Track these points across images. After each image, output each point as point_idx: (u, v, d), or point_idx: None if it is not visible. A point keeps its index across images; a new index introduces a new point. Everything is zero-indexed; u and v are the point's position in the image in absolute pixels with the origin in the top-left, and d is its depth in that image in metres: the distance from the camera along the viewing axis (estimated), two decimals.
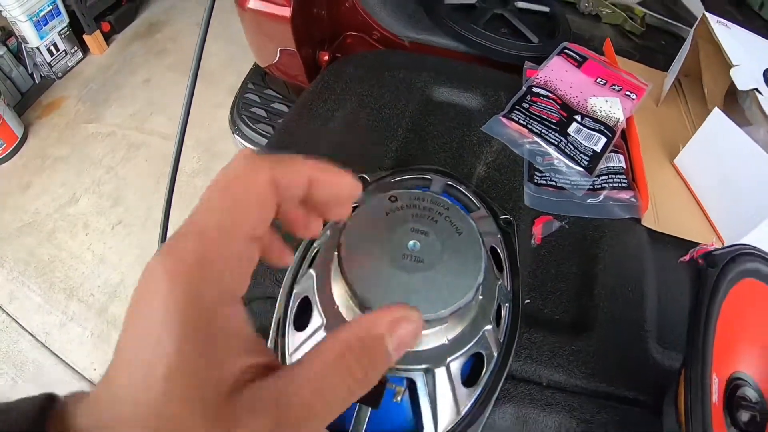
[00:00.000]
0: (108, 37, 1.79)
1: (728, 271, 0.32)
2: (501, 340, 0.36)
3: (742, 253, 0.33)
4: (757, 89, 0.52)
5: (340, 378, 0.16)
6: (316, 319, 0.33)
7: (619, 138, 0.57)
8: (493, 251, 0.39)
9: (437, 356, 0.32)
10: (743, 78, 0.53)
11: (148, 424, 0.14)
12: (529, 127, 0.53)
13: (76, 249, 1.31)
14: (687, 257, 0.48)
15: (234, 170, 0.18)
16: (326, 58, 0.72)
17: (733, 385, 0.31)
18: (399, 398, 0.33)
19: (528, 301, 0.42)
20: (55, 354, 1.17)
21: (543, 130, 0.53)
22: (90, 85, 1.65)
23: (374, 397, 0.30)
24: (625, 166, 0.53)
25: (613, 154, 0.54)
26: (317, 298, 0.34)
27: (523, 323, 0.39)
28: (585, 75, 0.60)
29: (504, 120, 0.55)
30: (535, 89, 0.58)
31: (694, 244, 0.46)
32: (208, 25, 0.60)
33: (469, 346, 0.32)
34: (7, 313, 1.22)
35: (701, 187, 0.54)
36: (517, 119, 0.54)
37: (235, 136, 0.82)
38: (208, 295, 0.16)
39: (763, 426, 0.30)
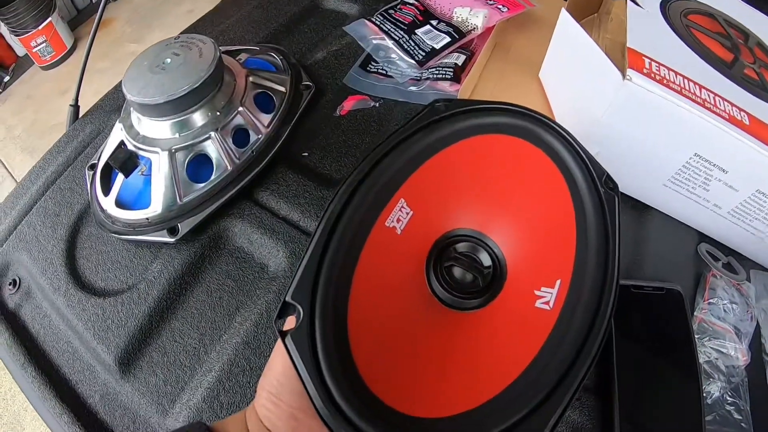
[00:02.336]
0: None
1: (459, 121, 0.29)
2: (237, 159, 0.46)
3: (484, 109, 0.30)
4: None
5: None
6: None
7: (480, 47, 0.63)
8: (264, 95, 0.50)
9: (168, 144, 0.44)
10: None
11: None
12: (381, 26, 0.62)
13: None
14: None
15: None
16: None
17: (451, 240, 0.28)
18: (141, 173, 0.45)
19: (306, 154, 0.52)
20: None
21: (391, 29, 0.62)
22: (139, 10, 1.90)
23: (123, 166, 0.43)
24: (459, 64, 0.60)
25: (455, 53, 0.61)
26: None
27: (287, 165, 0.49)
28: None
29: (366, 22, 0.64)
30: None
31: None
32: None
33: (192, 141, 0.44)
34: None
35: (556, 101, 0.57)
36: (375, 21, 0.63)
37: None
38: None
39: (488, 289, 0.27)
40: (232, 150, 0.45)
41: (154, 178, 0.44)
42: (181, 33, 0.70)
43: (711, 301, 0.40)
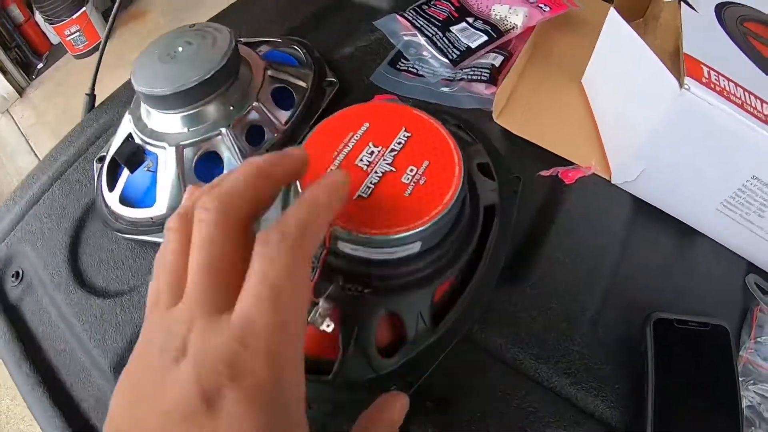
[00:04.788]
0: None
1: None
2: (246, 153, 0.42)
3: None
4: (687, 2, 0.44)
5: None
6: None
7: (520, 48, 0.58)
8: (283, 91, 0.46)
9: (175, 139, 0.40)
10: None
11: None
12: (414, 22, 0.58)
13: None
14: (549, 171, 0.50)
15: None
16: None
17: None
18: (147, 169, 0.42)
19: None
20: None
21: (424, 25, 0.57)
22: (174, 2, 1.90)
23: (129, 161, 0.40)
24: (497, 65, 0.55)
25: (492, 54, 0.56)
26: None
27: None
28: None
29: (398, 17, 0.59)
30: None
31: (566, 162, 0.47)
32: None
33: (201, 137, 0.40)
34: None
35: (600, 108, 0.51)
36: (408, 16, 0.59)
37: None
38: None
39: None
40: (244, 148, 0.41)
41: (160, 176, 0.40)
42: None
43: (758, 339, 0.36)
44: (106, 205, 0.43)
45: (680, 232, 0.43)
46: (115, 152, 0.42)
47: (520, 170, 0.45)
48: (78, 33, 1.63)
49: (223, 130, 0.40)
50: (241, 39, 0.53)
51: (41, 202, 0.51)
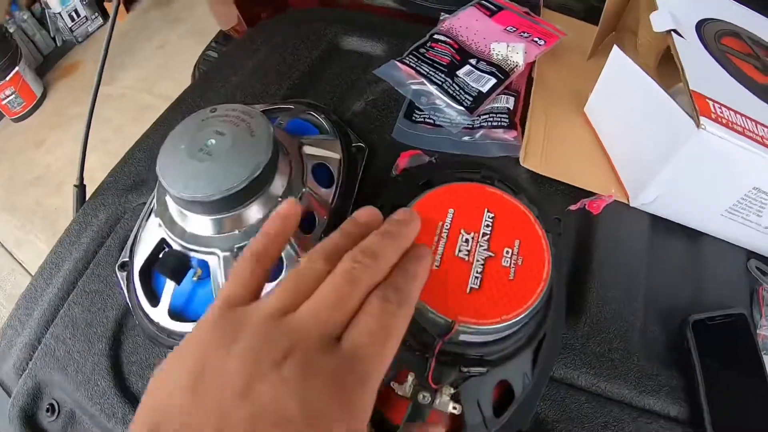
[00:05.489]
0: (128, 5, 1.93)
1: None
2: (309, 248, 0.40)
3: None
4: (675, 30, 0.49)
5: None
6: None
7: (521, 84, 0.59)
8: (320, 167, 0.44)
9: (227, 243, 0.37)
10: (661, 20, 0.50)
11: None
12: (418, 69, 0.57)
13: None
14: (577, 206, 0.50)
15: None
16: (264, 15, 0.78)
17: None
18: (196, 277, 0.38)
19: None
20: None
21: (430, 71, 0.56)
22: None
23: (175, 273, 0.37)
24: (512, 108, 0.55)
25: (503, 96, 0.56)
26: (156, 191, 0.43)
27: None
28: (495, 23, 0.63)
29: (398, 64, 0.58)
30: (436, 36, 0.61)
31: (590, 194, 0.50)
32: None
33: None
34: (14, 258, 1.38)
35: (608, 136, 0.54)
36: (409, 62, 0.58)
37: None
38: None
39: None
40: (300, 238, 0.39)
41: (216, 283, 0.37)
42: (188, 91, 0.63)
43: None
44: (152, 321, 0.39)
45: (689, 237, 0.49)
46: (157, 266, 0.38)
47: (554, 209, 0.48)
48: (13, 95, 1.50)
49: None
50: (255, 106, 0.50)
51: (58, 321, 0.45)
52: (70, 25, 1.74)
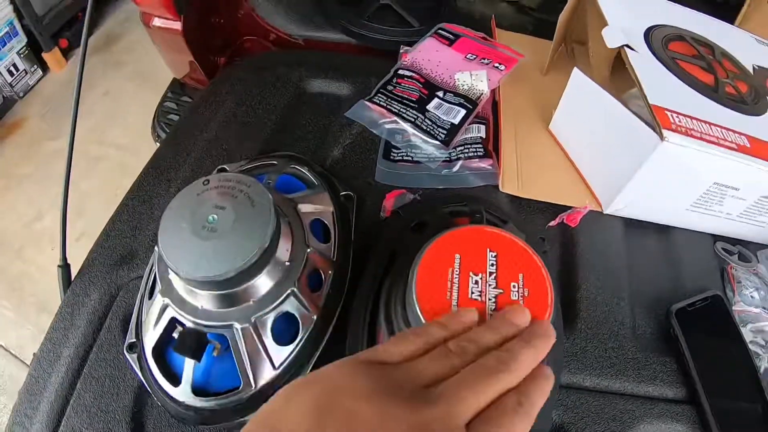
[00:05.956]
0: (67, 53, 1.86)
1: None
2: (319, 305, 0.42)
3: None
4: (627, 45, 0.52)
5: None
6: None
7: (488, 109, 0.62)
8: (317, 223, 0.45)
9: (244, 314, 0.38)
10: (613, 36, 0.53)
11: None
12: (389, 107, 0.59)
13: (43, 263, 1.39)
14: (556, 221, 0.54)
15: None
16: (221, 61, 0.78)
17: None
18: (216, 353, 0.39)
19: None
20: (28, 366, 1.25)
21: (401, 109, 0.59)
22: (51, 103, 1.73)
23: (195, 352, 0.37)
24: (484, 136, 0.58)
25: (474, 125, 0.59)
26: (156, 268, 0.42)
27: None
28: (455, 52, 0.66)
29: (368, 104, 0.60)
30: (401, 71, 0.63)
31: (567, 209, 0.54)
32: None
33: (274, 305, 0.38)
34: None
35: (575, 150, 0.58)
36: (378, 101, 0.60)
37: (157, 143, 0.89)
38: None
39: None
40: (311, 297, 0.40)
41: (240, 357, 0.38)
42: (160, 152, 0.62)
43: (740, 293, 0.50)
44: (175, 401, 0.40)
45: (660, 232, 0.54)
46: (176, 347, 0.38)
47: (536, 229, 0.54)
48: None
49: (293, 289, 0.39)
50: (226, 165, 0.51)
51: (71, 412, 0.45)
52: (9, 81, 1.66)
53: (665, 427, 0.43)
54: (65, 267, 0.57)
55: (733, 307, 0.48)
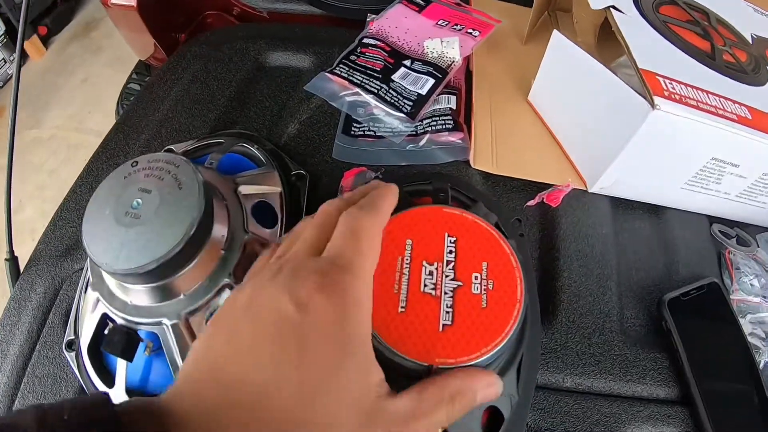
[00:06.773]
0: (46, 41, 1.82)
1: None
2: None
3: None
4: (613, 6, 0.47)
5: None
6: None
7: (460, 79, 0.58)
8: (263, 205, 0.41)
9: (173, 310, 0.35)
10: None
11: None
12: (350, 78, 0.54)
13: (25, 256, 1.37)
14: (535, 201, 0.49)
15: None
16: (182, 39, 0.74)
17: None
18: (147, 352, 0.36)
19: None
20: None
21: (364, 80, 0.54)
22: (30, 91, 1.69)
23: (125, 351, 0.34)
24: (454, 107, 0.53)
25: (444, 96, 0.54)
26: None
27: None
28: (426, 18, 0.61)
29: (328, 75, 0.56)
30: (366, 40, 0.58)
31: (548, 186, 0.48)
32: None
33: (206, 298, 0.35)
34: None
35: (556, 123, 0.53)
36: (340, 72, 0.55)
37: None
38: None
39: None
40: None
41: (171, 356, 0.35)
42: (111, 134, 0.58)
43: (739, 280, 0.45)
44: None
45: (651, 213, 0.49)
46: (104, 345, 0.35)
47: (512, 209, 0.48)
48: None
49: (227, 280, 0.35)
50: (173, 146, 0.47)
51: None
52: None
53: (655, 430, 0.38)
54: (12, 260, 0.53)
55: (731, 296, 0.43)
